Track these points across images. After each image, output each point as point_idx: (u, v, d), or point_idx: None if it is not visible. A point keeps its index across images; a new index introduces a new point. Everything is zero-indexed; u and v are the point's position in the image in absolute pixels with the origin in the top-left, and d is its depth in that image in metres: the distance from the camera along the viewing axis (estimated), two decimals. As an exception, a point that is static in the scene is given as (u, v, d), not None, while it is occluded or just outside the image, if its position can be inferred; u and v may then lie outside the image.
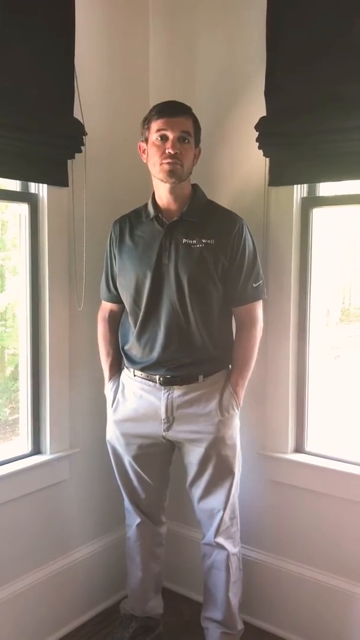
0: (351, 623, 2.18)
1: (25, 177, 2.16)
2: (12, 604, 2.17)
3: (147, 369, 2.06)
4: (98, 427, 2.29)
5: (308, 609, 2.28)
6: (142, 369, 2.07)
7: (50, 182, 2.20)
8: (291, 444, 2.33)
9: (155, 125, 1.95)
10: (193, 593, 2.53)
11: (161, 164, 1.95)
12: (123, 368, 2.17)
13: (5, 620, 2.15)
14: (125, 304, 2.11)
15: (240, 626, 2.18)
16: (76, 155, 2.23)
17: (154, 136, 1.96)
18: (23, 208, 2.21)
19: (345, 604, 2.20)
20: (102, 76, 2.39)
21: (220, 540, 2.12)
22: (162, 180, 1.98)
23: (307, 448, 2.34)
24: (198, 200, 2.06)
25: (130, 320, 2.09)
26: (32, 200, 2.21)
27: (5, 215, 2.29)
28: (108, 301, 2.21)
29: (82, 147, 2.22)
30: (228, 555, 2.12)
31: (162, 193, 2.02)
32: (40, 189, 2.21)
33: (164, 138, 1.94)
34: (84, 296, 2.31)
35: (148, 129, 1.98)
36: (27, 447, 2.29)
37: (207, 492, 2.10)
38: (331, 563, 2.25)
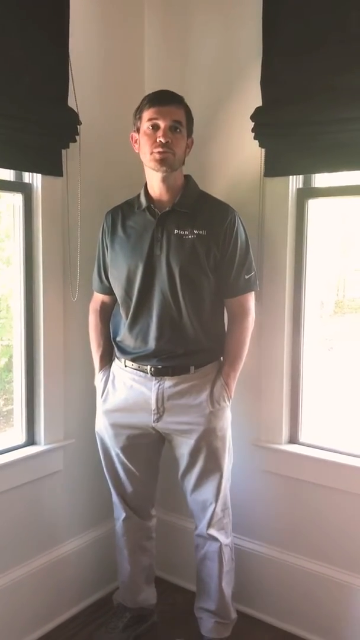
0: (344, 611, 2.20)
1: (19, 167, 2.15)
2: (7, 594, 2.18)
3: (139, 359, 2.06)
4: (93, 418, 2.29)
5: (302, 597, 2.30)
6: (133, 360, 2.07)
7: (44, 171, 2.19)
8: (285, 435, 2.34)
9: (146, 114, 1.94)
10: (187, 582, 2.54)
11: (152, 152, 1.93)
12: (114, 359, 2.17)
13: (-1, 610, 2.16)
14: (117, 295, 2.10)
15: (233, 615, 2.20)
16: (70, 144, 2.21)
17: (145, 125, 1.95)
18: (17, 198, 2.19)
19: (339, 593, 2.21)
20: (97, 65, 2.37)
21: (213, 532, 2.12)
22: (153, 169, 1.97)
23: (301, 439, 2.34)
24: (190, 191, 2.05)
25: (122, 312, 2.08)
26: (26, 190, 2.20)
27: (-1, 205, 2.28)
28: (100, 292, 2.20)
29: (77, 137, 2.21)
30: (220, 547, 2.13)
31: (154, 183, 2.01)
32: (35, 179, 2.20)
33: (155, 127, 1.93)
34: (79, 287, 2.30)
35: (140, 118, 1.97)
36: (22, 438, 2.30)
37: (199, 483, 2.10)
38: (325, 553, 2.26)
